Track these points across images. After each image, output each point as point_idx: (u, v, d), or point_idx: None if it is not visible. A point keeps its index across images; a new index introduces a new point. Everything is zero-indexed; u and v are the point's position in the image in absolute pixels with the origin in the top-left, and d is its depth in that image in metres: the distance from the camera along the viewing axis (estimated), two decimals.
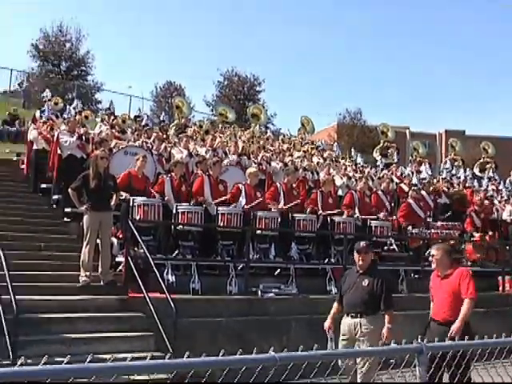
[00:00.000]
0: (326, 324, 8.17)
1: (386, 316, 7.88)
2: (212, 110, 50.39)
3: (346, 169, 19.94)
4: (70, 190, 10.98)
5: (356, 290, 8.04)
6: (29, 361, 3.84)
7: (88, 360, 3.11)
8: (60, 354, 4.67)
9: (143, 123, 21.23)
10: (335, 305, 8.33)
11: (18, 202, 14.57)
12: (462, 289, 7.57)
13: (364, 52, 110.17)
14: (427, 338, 5.50)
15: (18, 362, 3.10)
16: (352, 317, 7.95)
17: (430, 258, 8.16)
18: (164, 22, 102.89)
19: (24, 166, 17.18)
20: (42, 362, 3.01)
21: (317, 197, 14.64)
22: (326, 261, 13.67)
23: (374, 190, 16.50)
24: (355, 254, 8.24)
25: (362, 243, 8.36)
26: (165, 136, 18.39)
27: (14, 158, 19.16)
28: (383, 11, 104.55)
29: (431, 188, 18.42)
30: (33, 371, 2.92)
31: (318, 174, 17.88)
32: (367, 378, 6.82)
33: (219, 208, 12.59)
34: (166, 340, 8.98)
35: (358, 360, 6.73)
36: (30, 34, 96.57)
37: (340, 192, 16.77)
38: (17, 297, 8.30)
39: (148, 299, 9.65)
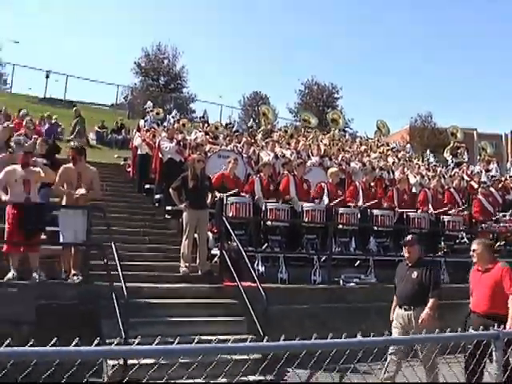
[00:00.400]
0: (391, 317, 8.02)
1: (430, 301, 7.55)
2: (295, 116, 50.50)
3: (418, 168, 19.56)
4: (170, 189, 11.21)
5: (407, 283, 7.83)
6: (139, 340, 3.95)
7: (195, 341, 3.16)
8: (164, 335, 4.76)
9: (234, 129, 21.37)
10: (395, 298, 8.11)
11: (125, 201, 14.93)
12: (505, 284, 7.24)
13: (439, 54, 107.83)
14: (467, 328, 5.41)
15: (136, 341, 3.18)
16: (405, 309, 7.75)
17: (471, 253, 7.80)
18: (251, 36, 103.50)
19: (130, 169, 17.60)
20: (156, 341, 3.08)
21: (393, 194, 14.53)
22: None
23: (446, 187, 16.21)
24: (403, 247, 8.06)
25: (409, 237, 8.16)
26: (253, 140, 18.46)
27: (122, 163, 19.60)
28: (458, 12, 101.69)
29: (500, 185, 17.88)
30: (148, 350, 2.99)
31: (393, 173, 17.63)
32: (433, 364, 6.56)
33: (304, 205, 12.60)
34: (258, 325, 9.01)
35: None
36: (132, 53, 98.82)
37: (414, 189, 16.46)
38: (127, 284, 8.52)
39: (241, 287, 9.71)
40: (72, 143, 11.04)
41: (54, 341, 2.81)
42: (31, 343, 2.80)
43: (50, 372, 3.18)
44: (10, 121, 17.37)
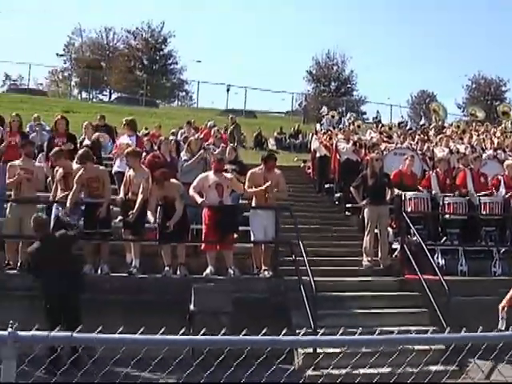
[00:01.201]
0: (501, 303, 7.28)
1: None
2: (463, 112, 48.59)
3: None
4: (351, 188, 11.25)
5: None
6: (326, 331, 3.99)
7: (377, 333, 3.15)
8: (350, 326, 4.78)
9: (407, 127, 20.89)
10: None
11: (307, 201, 15.11)
12: None
13: None
14: None
15: (321, 331, 3.22)
16: None
17: None
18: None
19: (310, 171, 17.82)
20: (340, 332, 3.10)
21: None
22: None
23: None
24: None
25: None
26: (426, 137, 17.95)
27: (301, 165, 19.89)
28: None
29: None
30: (334, 340, 3.00)
31: None
32: None
33: (481, 198, 12.06)
34: (441, 316, 8.76)
35: None
36: (303, 62, 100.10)
37: None
38: (314, 278, 8.66)
39: (422, 280, 9.50)
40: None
41: (244, 331, 2.89)
42: (223, 332, 2.91)
43: (241, 358, 3.28)
44: (198, 133, 18.26)
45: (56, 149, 10.17)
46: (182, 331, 2.89)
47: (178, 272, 9.44)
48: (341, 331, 3.15)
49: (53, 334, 2.58)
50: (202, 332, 2.93)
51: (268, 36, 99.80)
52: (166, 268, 9.38)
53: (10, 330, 2.50)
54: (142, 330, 2.75)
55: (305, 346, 6.59)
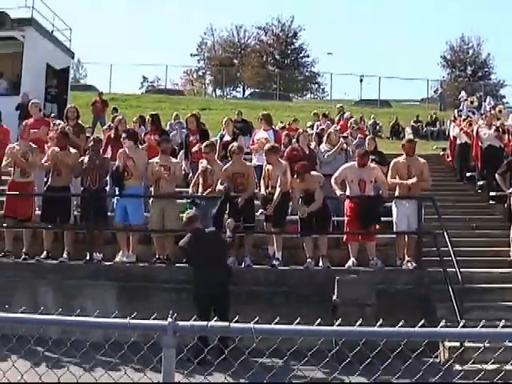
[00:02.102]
0: None
1: None
2: None
3: None
4: (497, 175, 10.79)
5: None
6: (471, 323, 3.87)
7: None
8: (498, 319, 4.57)
9: None
10: None
11: (448, 190, 14.65)
12: None
13: None
14: None
15: (460, 324, 3.12)
16: None
17: None
18: None
19: (449, 159, 17.26)
20: (480, 325, 2.98)
21: None
22: None
23: None
24: None
25: None
26: None
27: (441, 153, 19.30)
28: None
29: None
30: (477, 333, 2.87)
31: None
32: None
33: None
34: None
35: None
36: (437, 48, 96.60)
37: None
38: (461, 269, 8.41)
39: None
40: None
41: (379, 322, 2.85)
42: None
43: (377, 351, 3.25)
44: (333, 124, 18.19)
45: (208, 142, 10.61)
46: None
47: (321, 264, 9.50)
48: (481, 324, 3.03)
49: (211, 324, 2.66)
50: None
51: (398, 23, 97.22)
52: (308, 260, 9.47)
53: (169, 320, 2.61)
54: (297, 320, 2.76)
55: (448, 338, 6.49)
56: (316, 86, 56.75)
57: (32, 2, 22.10)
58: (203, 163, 10.16)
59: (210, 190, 9.90)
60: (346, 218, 9.84)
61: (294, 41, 57.94)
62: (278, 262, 9.51)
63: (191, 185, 10.49)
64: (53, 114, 17.78)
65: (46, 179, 10.91)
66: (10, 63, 22.14)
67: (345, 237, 9.86)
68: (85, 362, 4.37)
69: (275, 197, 9.53)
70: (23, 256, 9.84)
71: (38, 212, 10.76)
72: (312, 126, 18.12)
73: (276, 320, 2.78)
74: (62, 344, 3.95)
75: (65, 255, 9.77)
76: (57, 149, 10.25)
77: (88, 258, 9.60)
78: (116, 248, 10.06)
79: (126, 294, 9.22)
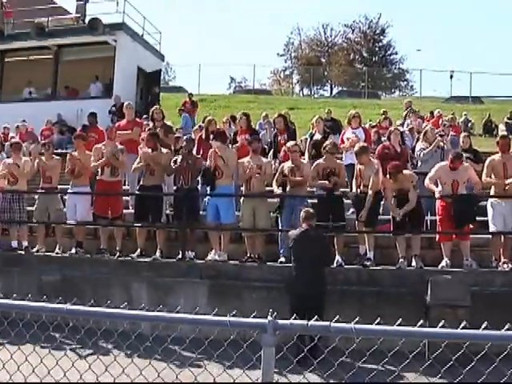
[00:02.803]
0: None
1: None
2: None
3: None
4: None
5: None
6: None
7: None
8: None
9: None
10: None
11: None
12: None
13: None
14: None
15: None
16: None
17: None
18: None
19: None
20: None
21: None
22: None
23: None
24: None
25: None
26: None
27: None
28: None
29: None
30: None
31: None
32: None
33: None
34: None
35: None
36: None
37: None
38: None
39: None
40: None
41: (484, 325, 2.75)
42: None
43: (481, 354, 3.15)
44: (424, 122, 17.82)
45: (293, 142, 10.70)
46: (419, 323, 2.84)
47: (413, 264, 9.34)
48: None
49: (311, 323, 2.64)
50: (439, 325, 2.85)
51: (489, 17, 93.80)
52: (401, 260, 9.32)
53: (269, 318, 2.62)
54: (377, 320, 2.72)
55: None
56: (405, 83, 55.73)
57: (123, 7, 22.89)
58: (288, 163, 10.16)
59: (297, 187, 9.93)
60: (438, 218, 9.63)
61: (382, 38, 57.12)
62: (370, 261, 9.43)
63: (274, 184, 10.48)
64: (145, 116, 18.29)
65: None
66: (103, 67, 23.01)
67: (438, 236, 9.64)
68: (179, 359, 4.47)
69: (367, 199, 9.46)
70: (117, 254, 10.19)
71: (130, 211, 11.16)
72: (402, 124, 17.82)
73: (377, 321, 2.74)
74: (158, 340, 4.08)
75: (158, 253, 10.05)
76: (149, 149, 10.53)
77: (180, 256, 9.81)
78: (207, 247, 10.24)
79: (217, 292, 9.36)
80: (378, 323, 2.65)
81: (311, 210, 8.44)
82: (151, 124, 12.67)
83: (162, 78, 28.96)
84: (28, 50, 23.24)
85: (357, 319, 2.73)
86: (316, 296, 7.77)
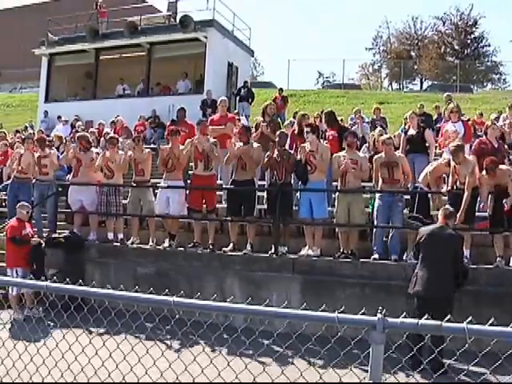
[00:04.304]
0: None
1: None
2: None
3: None
4: None
5: None
6: None
7: None
8: None
9: None
10: None
11: None
12: None
13: None
14: None
15: None
16: None
17: None
18: None
19: None
20: None
21: None
22: None
23: None
24: None
25: None
26: None
27: None
28: None
29: None
30: None
31: None
32: None
33: None
34: None
35: None
36: None
37: None
38: None
39: None
40: None
41: None
42: None
43: None
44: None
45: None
46: None
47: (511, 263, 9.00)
48: None
49: (422, 322, 2.56)
50: None
51: None
52: (498, 259, 8.98)
53: (379, 315, 2.57)
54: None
55: None
56: (498, 76, 53.70)
57: (213, 4, 23.20)
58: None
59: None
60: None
61: (474, 30, 55.16)
62: (466, 260, 9.10)
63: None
64: (235, 111, 18.50)
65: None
66: (194, 63, 23.44)
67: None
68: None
69: (464, 199, 9.12)
70: (210, 247, 10.29)
71: (223, 205, 11.25)
72: (497, 118, 17.15)
73: (490, 321, 2.62)
74: (250, 332, 4.04)
75: (248, 247, 10.08)
76: (241, 143, 10.58)
77: (273, 250, 9.80)
78: (300, 242, 10.20)
79: (309, 288, 9.33)
80: (491, 324, 2.52)
81: (451, 209, 8.08)
82: (260, 118, 12.75)
83: (250, 73, 29.20)
84: (121, 48, 23.98)
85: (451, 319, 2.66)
86: (441, 299, 7.30)
